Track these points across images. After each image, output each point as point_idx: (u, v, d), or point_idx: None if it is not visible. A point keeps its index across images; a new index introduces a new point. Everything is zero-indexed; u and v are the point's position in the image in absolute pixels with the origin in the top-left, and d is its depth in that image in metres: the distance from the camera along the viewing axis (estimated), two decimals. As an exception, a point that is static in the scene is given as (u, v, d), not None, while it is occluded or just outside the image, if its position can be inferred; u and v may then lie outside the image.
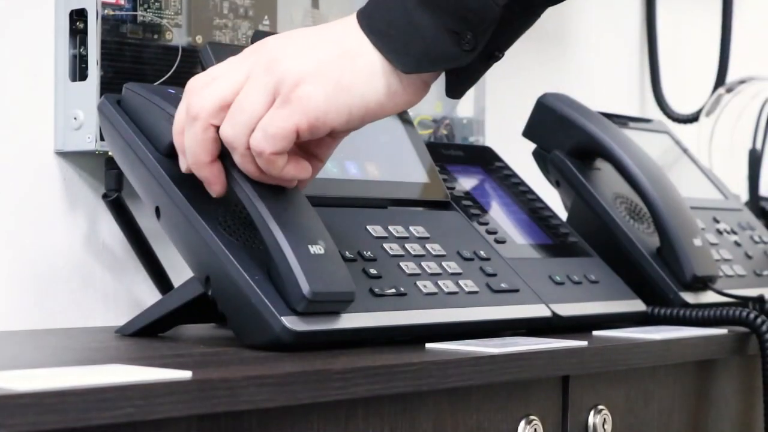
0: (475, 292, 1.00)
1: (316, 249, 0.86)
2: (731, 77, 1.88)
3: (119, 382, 0.66)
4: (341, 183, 1.03)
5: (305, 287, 0.84)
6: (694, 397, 1.14)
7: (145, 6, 1.12)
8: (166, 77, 1.13)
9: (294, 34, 0.88)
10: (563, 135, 1.26)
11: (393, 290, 0.94)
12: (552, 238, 1.18)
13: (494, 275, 1.04)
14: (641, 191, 1.22)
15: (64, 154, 1.12)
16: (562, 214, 1.28)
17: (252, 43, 0.90)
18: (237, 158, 0.86)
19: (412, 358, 0.83)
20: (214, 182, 0.87)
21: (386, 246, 0.99)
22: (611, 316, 1.12)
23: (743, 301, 1.23)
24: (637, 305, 1.16)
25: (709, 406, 1.15)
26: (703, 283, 1.21)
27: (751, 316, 1.11)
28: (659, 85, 1.91)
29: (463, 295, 0.99)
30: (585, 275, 1.13)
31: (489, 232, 1.11)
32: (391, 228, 1.02)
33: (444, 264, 1.01)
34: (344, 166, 1.05)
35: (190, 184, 0.90)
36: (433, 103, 1.43)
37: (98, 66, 1.09)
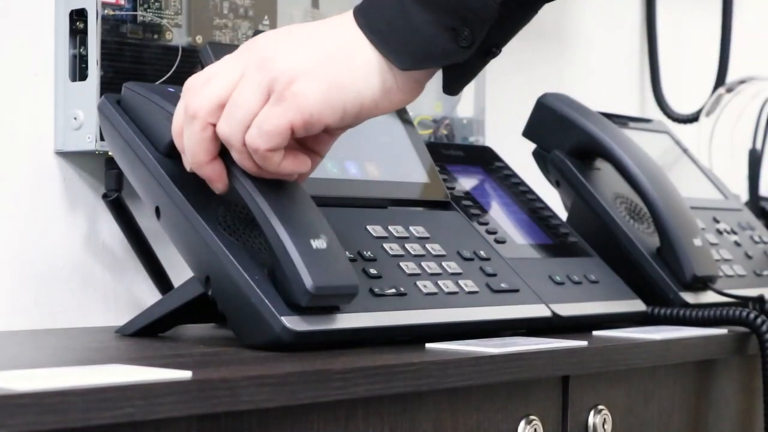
0: (475, 292, 1.00)
1: (319, 243, 0.86)
2: (731, 77, 1.88)
3: (119, 382, 0.66)
4: (341, 183, 1.03)
5: (308, 282, 0.84)
6: (694, 397, 1.14)
7: (145, 6, 1.12)
8: (166, 77, 1.13)
9: (289, 30, 0.88)
10: (563, 135, 1.26)
11: (393, 290, 0.94)
12: (552, 238, 1.18)
13: (494, 275, 1.04)
14: (641, 191, 1.22)
15: (64, 154, 1.12)
16: (562, 214, 1.28)
17: (252, 43, 0.90)
18: (235, 155, 0.86)
19: (412, 358, 0.83)
20: (216, 180, 0.88)
21: (386, 246, 0.99)
22: (611, 316, 1.12)
23: (743, 301, 1.23)
24: (637, 305, 1.16)
25: (709, 406, 1.15)
26: (703, 283, 1.21)
27: (751, 316, 1.11)
28: (659, 85, 1.91)
29: (463, 295, 0.99)
30: (585, 275, 1.13)
31: (489, 232, 1.11)
32: (391, 228, 1.02)
33: (444, 264, 1.01)
34: (344, 166, 1.05)
35: (190, 184, 0.90)
36: (433, 103, 1.43)
37: (98, 66, 1.09)
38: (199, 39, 1.16)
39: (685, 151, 1.51)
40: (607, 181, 1.26)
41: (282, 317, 0.84)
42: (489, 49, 0.88)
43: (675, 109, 1.90)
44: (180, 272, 1.05)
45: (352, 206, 1.02)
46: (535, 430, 0.94)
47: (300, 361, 0.80)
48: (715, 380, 1.16)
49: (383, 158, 1.08)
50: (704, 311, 1.14)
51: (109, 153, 1.06)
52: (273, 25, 1.23)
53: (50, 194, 1.12)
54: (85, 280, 1.14)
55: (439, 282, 0.98)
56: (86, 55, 1.10)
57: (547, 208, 1.23)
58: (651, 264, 1.21)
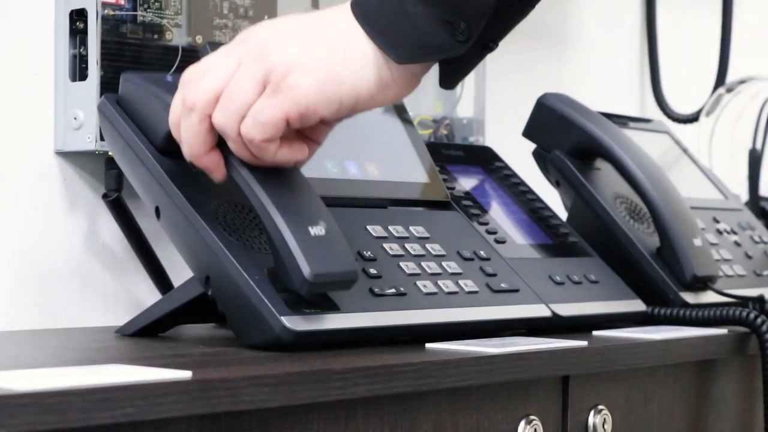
0: (475, 292, 1.00)
1: (317, 230, 0.86)
2: (731, 77, 1.88)
3: (119, 382, 0.66)
4: (341, 183, 1.03)
5: (306, 270, 0.84)
6: (694, 397, 1.13)
7: (145, 6, 1.12)
8: (166, 77, 1.13)
9: (286, 21, 0.88)
10: (563, 135, 1.26)
11: (393, 290, 0.94)
12: (552, 238, 1.18)
13: (494, 275, 1.04)
14: (641, 191, 1.22)
15: (64, 154, 1.12)
16: (562, 214, 1.28)
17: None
18: (231, 144, 0.86)
19: (412, 358, 0.83)
20: (214, 170, 0.88)
21: (386, 246, 0.99)
22: (611, 316, 1.12)
23: (743, 301, 1.23)
24: (637, 305, 1.16)
25: (709, 406, 1.15)
26: (703, 283, 1.21)
27: (751, 316, 1.11)
28: (659, 85, 1.91)
29: (462, 295, 0.99)
30: (585, 275, 1.13)
31: (489, 232, 1.11)
32: (391, 228, 1.02)
33: (444, 264, 1.01)
34: (344, 166, 1.05)
35: (190, 184, 0.90)
36: (433, 103, 1.43)
37: (98, 66, 1.09)
38: (199, 39, 1.16)
39: (685, 151, 1.51)
40: (607, 181, 1.26)
41: (282, 317, 0.84)
42: (486, 44, 0.88)
43: (675, 109, 1.90)
44: (180, 272, 1.05)
45: (352, 206, 1.02)
46: (535, 430, 0.94)
47: (300, 361, 0.80)
48: (715, 380, 1.16)
49: (383, 158, 1.08)
50: (704, 311, 1.14)
51: (109, 153, 1.06)
52: (273, 25, 1.23)
53: (50, 194, 1.12)
54: (85, 280, 1.14)
55: (439, 282, 0.98)
56: (86, 55, 1.10)
57: (547, 208, 1.22)
58: (651, 264, 1.21)
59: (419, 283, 0.97)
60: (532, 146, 1.29)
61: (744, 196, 1.64)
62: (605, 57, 1.86)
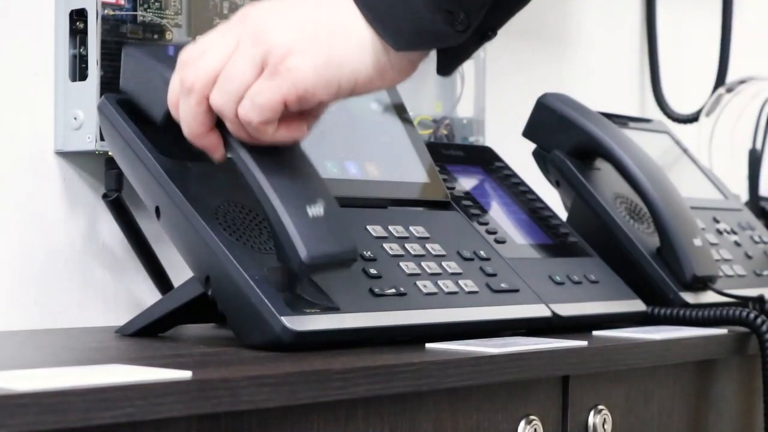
0: (475, 292, 1.00)
1: (316, 210, 0.85)
2: (731, 77, 1.88)
3: (119, 382, 0.66)
4: (341, 183, 1.03)
5: (302, 252, 0.84)
6: (694, 397, 1.13)
7: (145, 6, 1.12)
8: (166, 77, 1.13)
9: (283, 2, 0.87)
10: (563, 135, 1.26)
11: (393, 290, 0.94)
12: (552, 238, 1.18)
13: (494, 275, 1.04)
14: (641, 191, 1.22)
15: (64, 154, 1.12)
16: (562, 214, 1.28)
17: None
18: (228, 125, 0.86)
19: (412, 358, 0.83)
20: (213, 150, 0.88)
21: (386, 246, 0.99)
22: (611, 316, 1.12)
23: (743, 301, 1.23)
24: (637, 305, 1.16)
25: (709, 406, 1.15)
26: (703, 283, 1.21)
27: (751, 316, 1.11)
28: (659, 85, 1.91)
29: (462, 295, 0.99)
30: (585, 275, 1.13)
31: (489, 232, 1.11)
32: (391, 228, 1.02)
33: (444, 264, 1.01)
34: (344, 166, 1.05)
35: (190, 184, 0.90)
36: (433, 103, 1.43)
37: (98, 66, 1.09)
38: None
39: (685, 151, 1.51)
40: (607, 181, 1.26)
41: (282, 317, 0.84)
42: (485, 32, 0.88)
43: (675, 109, 1.90)
44: (180, 272, 1.05)
45: (352, 206, 1.02)
46: (535, 430, 0.94)
47: (300, 361, 0.80)
48: (715, 380, 1.16)
49: (383, 158, 1.08)
50: (704, 311, 1.14)
51: (109, 153, 1.06)
52: (273, 25, 1.23)
53: (50, 194, 1.12)
54: (85, 280, 1.14)
55: (439, 282, 0.98)
56: (86, 55, 1.10)
57: (547, 208, 1.22)
58: (651, 264, 1.21)
59: (419, 283, 0.97)
60: (532, 146, 1.29)
61: (744, 196, 1.64)
62: (605, 57, 1.86)
